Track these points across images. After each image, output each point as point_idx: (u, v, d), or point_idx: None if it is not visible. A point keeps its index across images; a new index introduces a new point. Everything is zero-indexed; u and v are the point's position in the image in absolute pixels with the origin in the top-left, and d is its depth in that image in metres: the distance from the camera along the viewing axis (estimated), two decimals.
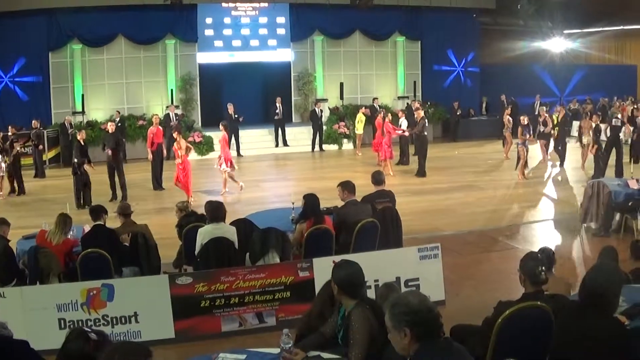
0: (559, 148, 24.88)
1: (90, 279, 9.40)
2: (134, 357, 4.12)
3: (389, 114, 24.89)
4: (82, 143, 19.00)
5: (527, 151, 21.94)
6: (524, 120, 22.18)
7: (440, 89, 34.94)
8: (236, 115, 28.45)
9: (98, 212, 10.88)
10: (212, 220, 10.40)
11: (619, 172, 19.44)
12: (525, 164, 22.10)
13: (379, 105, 31.00)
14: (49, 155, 27.09)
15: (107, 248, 10.03)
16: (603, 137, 22.00)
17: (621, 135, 22.01)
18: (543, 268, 6.43)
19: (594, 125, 21.72)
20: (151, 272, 10.57)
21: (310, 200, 10.94)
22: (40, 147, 24.95)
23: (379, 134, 24.85)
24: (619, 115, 23.85)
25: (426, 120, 23.82)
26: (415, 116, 24.37)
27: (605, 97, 34.96)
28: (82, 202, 18.50)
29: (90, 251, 9.87)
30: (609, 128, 22.06)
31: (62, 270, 10.04)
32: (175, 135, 19.53)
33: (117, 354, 4.10)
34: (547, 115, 24.71)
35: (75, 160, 18.72)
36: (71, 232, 10.92)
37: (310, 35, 32.96)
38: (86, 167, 18.63)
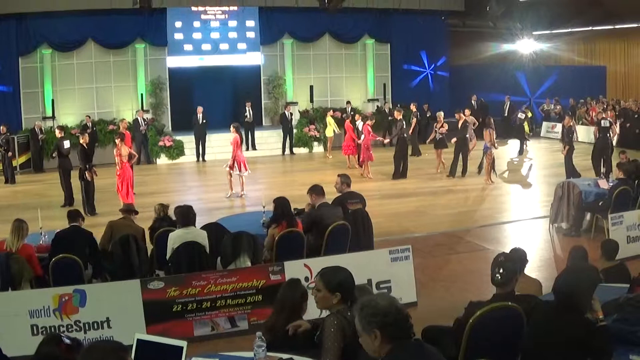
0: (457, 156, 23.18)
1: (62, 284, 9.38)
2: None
3: (370, 120, 24.88)
4: (85, 147, 18.65)
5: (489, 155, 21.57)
6: (492, 123, 22.15)
7: (409, 92, 34.78)
8: (204, 121, 28.57)
9: (74, 216, 11.04)
10: (182, 225, 10.41)
11: (608, 173, 19.17)
12: (492, 168, 21.72)
13: (347, 109, 31.10)
14: (19, 160, 26.78)
15: (82, 249, 10.28)
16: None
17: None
18: (500, 270, 6.47)
19: (566, 126, 21.42)
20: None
21: (281, 203, 10.96)
22: (10, 153, 24.67)
23: (349, 137, 24.94)
24: (608, 117, 23.84)
25: (404, 123, 23.85)
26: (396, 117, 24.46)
27: (578, 99, 35.07)
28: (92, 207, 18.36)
29: (62, 257, 9.87)
30: (597, 130, 22.07)
31: (33, 276, 9.97)
32: (117, 141, 19.12)
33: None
34: (444, 121, 24.40)
35: (81, 166, 18.54)
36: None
37: (279, 39, 32.92)
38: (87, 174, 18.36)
